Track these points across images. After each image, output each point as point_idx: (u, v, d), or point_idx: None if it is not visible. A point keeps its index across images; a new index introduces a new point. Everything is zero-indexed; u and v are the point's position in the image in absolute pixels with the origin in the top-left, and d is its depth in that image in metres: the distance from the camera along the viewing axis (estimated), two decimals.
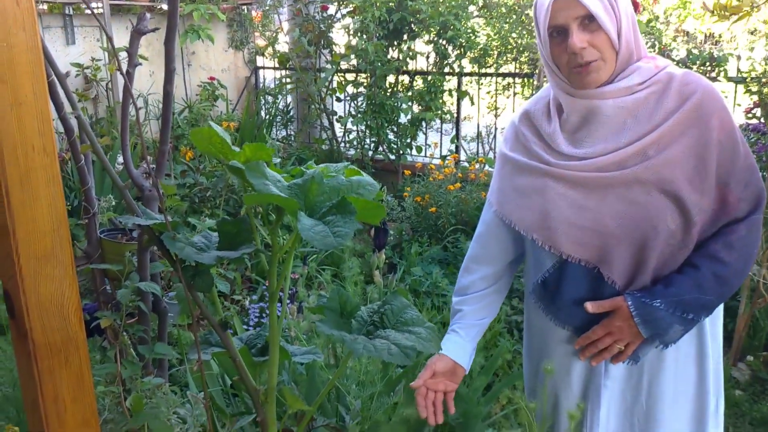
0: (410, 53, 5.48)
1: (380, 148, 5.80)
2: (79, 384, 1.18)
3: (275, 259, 1.31)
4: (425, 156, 5.80)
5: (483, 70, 5.44)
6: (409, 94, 5.59)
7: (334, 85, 5.96)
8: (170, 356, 1.61)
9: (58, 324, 1.13)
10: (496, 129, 5.64)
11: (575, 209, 1.41)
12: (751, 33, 5.36)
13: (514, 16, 5.27)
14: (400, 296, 1.38)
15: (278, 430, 1.48)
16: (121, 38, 5.42)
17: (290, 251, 1.33)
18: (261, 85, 6.87)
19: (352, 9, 5.60)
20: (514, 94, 5.40)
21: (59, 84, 1.53)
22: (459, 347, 1.58)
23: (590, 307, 1.41)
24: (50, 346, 1.13)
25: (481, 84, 5.55)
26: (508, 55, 5.36)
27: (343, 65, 5.83)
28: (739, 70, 4.00)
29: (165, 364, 1.90)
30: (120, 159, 5.30)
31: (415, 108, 5.57)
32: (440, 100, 5.46)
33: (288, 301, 2.20)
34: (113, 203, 1.98)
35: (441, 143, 5.87)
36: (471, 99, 5.55)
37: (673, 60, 4.13)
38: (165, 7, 5.22)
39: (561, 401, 1.58)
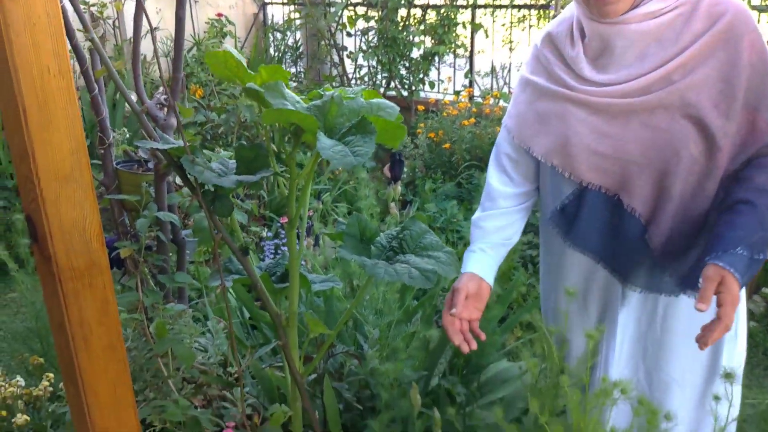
0: None
1: (392, 84, 5.72)
2: (104, 307, 1.19)
3: (293, 184, 1.31)
4: (438, 92, 5.71)
5: (497, 2, 5.30)
6: (422, 27, 5.46)
7: (345, 19, 5.84)
8: (190, 284, 1.62)
9: (81, 247, 1.13)
10: (510, 64, 5.53)
11: (596, 135, 1.38)
12: None
13: None
14: (419, 221, 1.38)
15: (299, 356, 1.50)
16: None
17: (308, 177, 1.32)
18: (269, 21, 6.74)
19: None
20: (530, 26, 5.27)
21: (71, 3, 1.50)
22: (486, 265, 1.51)
23: (703, 306, 1.19)
24: (74, 269, 1.14)
25: (496, 17, 5.41)
26: None
27: None
28: None
29: (185, 295, 1.92)
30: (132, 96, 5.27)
31: (428, 42, 5.46)
32: (453, 34, 5.34)
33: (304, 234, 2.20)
34: (127, 136, 1.97)
35: (454, 78, 5.78)
36: (485, 32, 5.43)
37: None
38: None
39: (576, 326, 1.58)
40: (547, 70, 1.46)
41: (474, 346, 1.47)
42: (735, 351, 1.54)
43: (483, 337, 1.48)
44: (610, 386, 1.21)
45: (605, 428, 1.33)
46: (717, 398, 1.42)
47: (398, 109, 1.18)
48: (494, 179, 1.58)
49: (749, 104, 1.30)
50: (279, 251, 3.13)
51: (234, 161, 1.33)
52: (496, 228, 1.54)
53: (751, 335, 3.07)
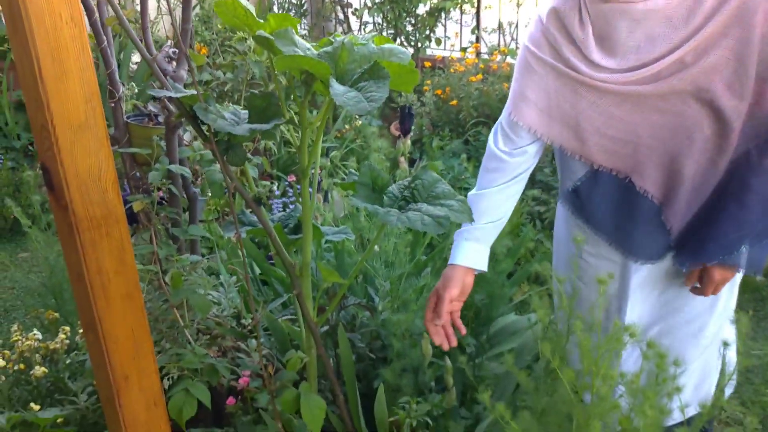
0: None
1: (398, 41, 5.65)
2: (121, 257, 1.21)
3: (305, 134, 1.31)
4: (445, 48, 5.65)
5: None
6: None
7: None
8: (202, 240, 1.63)
9: (98, 197, 1.15)
10: (518, 19, 5.45)
11: (606, 118, 1.35)
12: None
13: None
14: (431, 171, 1.38)
15: (313, 307, 1.52)
16: None
17: (320, 126, 1.32)
18: None
19: None
20: None
21: None
22: (478, 256, 1.51)
23: (688, 284, 1.44)
24: (91, 218, 1.15)
25: None
26: None
27: None
28: None
29: (197, 249, 1.94)
30: (134, 58, 5.24)
31: None
32: None
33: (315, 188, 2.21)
34: (136, 90, 1.97)
35: (461, 34, 5.71)
36: None
37: None
38: None
39: (590, 280, 1.60)
40: (555, 48, 1.39)
41: (454, 342, 1.52)
42: (733, 291, 1.56)
43: (463, 331, 1.53)
44: (621, 331, 1.23)
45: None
46: (726, 344, 1.44)
47: (409, 55, 1.18)
48: (492, 155, 1.53)
49: (760, 76, 1.25)
50: (287, 209, 3.15)
51: (245, 112, 1.33)
52: (489, 207, 1.51)
53: (757, 289, 3.09)
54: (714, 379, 1.58)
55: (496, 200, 1.52)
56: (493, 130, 1.56)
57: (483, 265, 1.52)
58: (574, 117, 1.39)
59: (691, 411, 1.52)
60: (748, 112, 1.28)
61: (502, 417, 1.34)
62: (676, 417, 1.41)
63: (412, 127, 3.85)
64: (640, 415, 1.24)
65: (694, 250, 1.40)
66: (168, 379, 1.48)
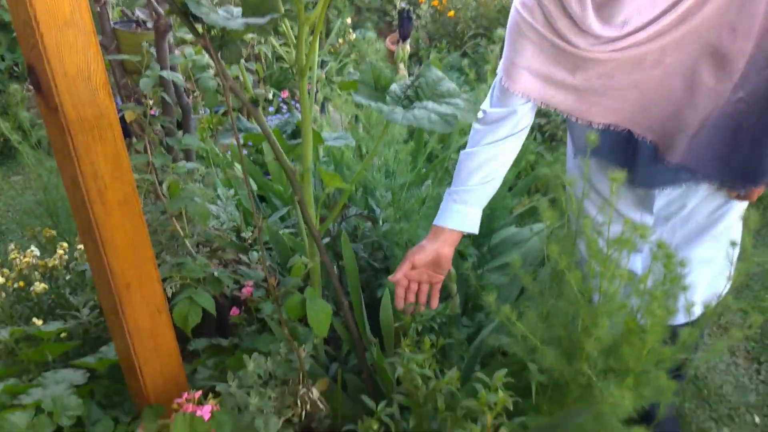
0: None
1: None
2: (117, 161, 1.17)
3: (303, 30, 1.25)
4: None
5: None
6: None
7: None
8: (198, 146, 1.59)
9: (88, 97, 1.09)
10: None
11: (606, 80, 1.31)
12: None
13: None
14: (434, 68, 1.32)
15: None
16: None
17: (319, 20, 1.26)
18: None
19: None
20: None
21: None
22: (465, 219, 1.48)
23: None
24: (83, 120, 1.10)
25: None
26: None
27: None
28: None
29: (193, 160, 1.89)
30: None
31: None
32: None
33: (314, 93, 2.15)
34: None
35: None
36: None
37: None
38: None
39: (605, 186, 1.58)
40: (550, 22, 1.31)
41: (419, 310, 1.52)
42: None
43: (434, 306, 1.53)
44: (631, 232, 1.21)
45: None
46: (734, 244, 1.43)
47: None
48: (484, 114, 1.48)
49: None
50: None
51: (239, 9, 1.26)
52: (479, 167, 1.46)
53: (760, 199, 3.09)
54: (724, 276, 1.59)
55: (485, 159, 1.47)
56: (491, 88, 1.50)
57: (471, 227, 1.49)
58: (571, 81, 1.34)
59: (698, 311, 1.53)
60: (756, 43, 1.22)
61: (507, 318, 1.33)
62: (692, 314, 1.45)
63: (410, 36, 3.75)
64: (649, 315, 1.24)
65: (745, 179, 1.39)
66: (171, 288, 1.46)
